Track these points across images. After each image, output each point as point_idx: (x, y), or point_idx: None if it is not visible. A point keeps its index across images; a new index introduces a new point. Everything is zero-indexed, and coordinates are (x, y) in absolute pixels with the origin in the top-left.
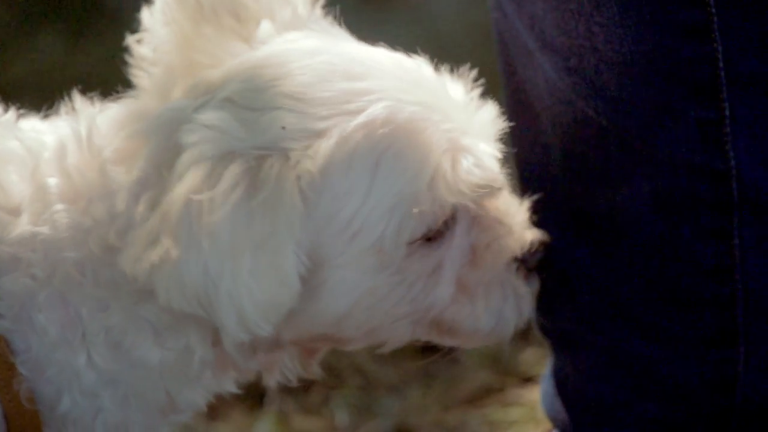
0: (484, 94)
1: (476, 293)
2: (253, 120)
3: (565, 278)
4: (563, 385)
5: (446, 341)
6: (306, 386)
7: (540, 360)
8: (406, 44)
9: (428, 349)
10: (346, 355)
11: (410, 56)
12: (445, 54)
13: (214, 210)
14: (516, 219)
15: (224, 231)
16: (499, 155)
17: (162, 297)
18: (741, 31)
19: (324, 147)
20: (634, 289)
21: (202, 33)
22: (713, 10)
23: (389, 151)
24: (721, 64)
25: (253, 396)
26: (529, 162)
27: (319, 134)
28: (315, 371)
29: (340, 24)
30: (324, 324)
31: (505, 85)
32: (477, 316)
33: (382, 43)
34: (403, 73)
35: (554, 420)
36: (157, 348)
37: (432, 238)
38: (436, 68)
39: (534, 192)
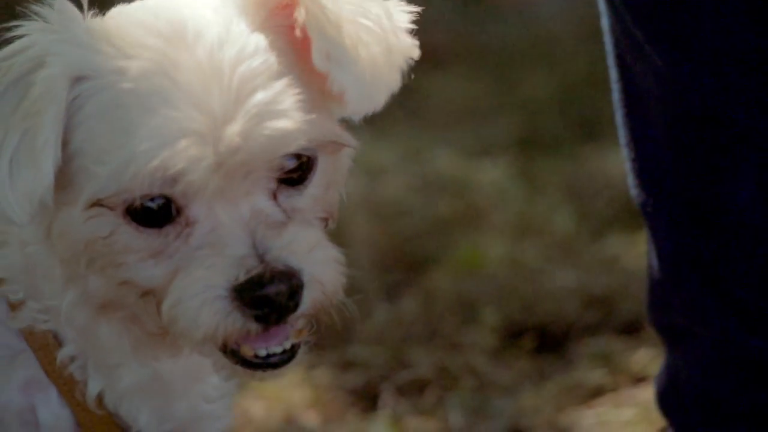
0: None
1: (171, 287)
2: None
3: (676, 269)
4: (675, 381)
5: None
6: (420, 388)
7: (653, 359)
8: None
9: (542, 351)
10: (461, 356)
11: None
12: (551, 52)
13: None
14: (274, 245)
15: (11, 97)
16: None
17: None
18: None
19: (90, 62)
20: (742, 279)
21: None
22: None
23: (121, 107)
24: None
25: (367, 398)
26: (642, 154)
27: (94, 54)
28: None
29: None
30: (67, 254)
31: (616, 79)
32: (169, 305)
33: (488, 43)
34: (200, 53)
35: (668, 416)
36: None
37: (165, 224)
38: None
39: (648, 183)
